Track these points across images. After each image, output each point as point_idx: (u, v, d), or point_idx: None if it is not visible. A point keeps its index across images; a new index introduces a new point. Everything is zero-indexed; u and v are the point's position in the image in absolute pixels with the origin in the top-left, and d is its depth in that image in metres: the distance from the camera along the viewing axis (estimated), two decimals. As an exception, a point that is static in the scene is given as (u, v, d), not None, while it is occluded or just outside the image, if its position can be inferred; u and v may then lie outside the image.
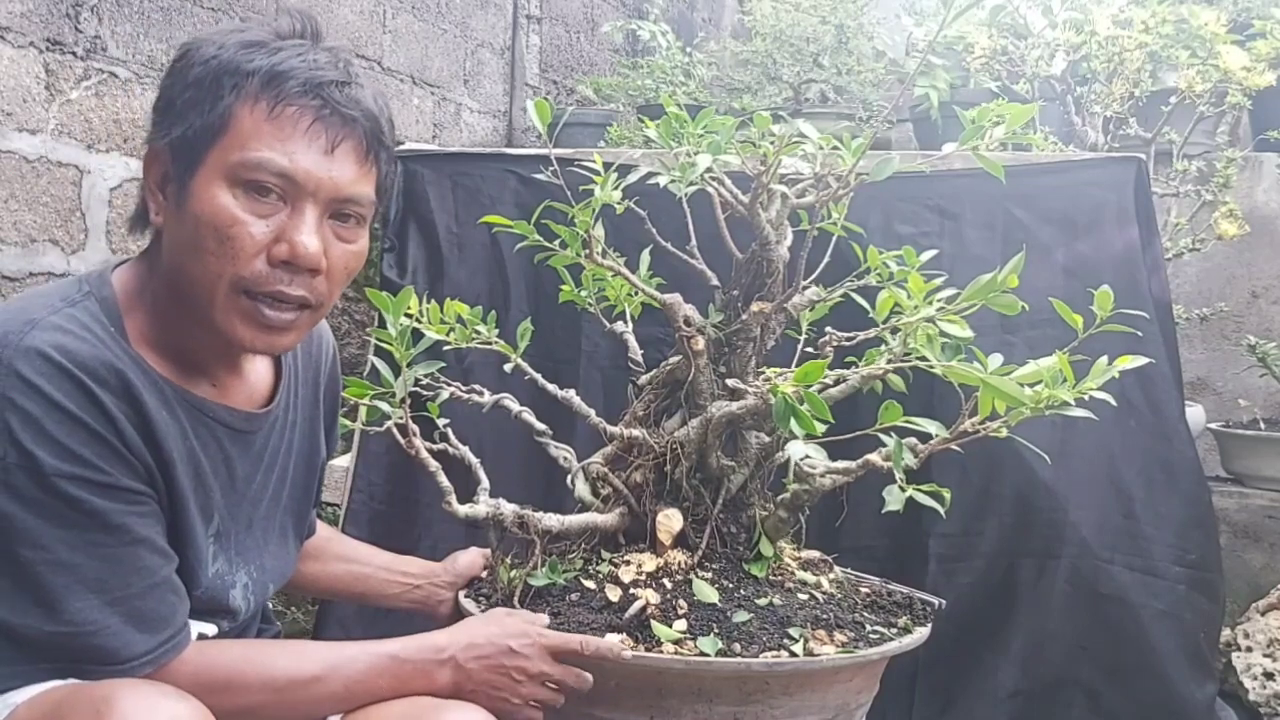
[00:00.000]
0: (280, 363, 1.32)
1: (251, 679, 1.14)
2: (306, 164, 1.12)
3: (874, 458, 1.33)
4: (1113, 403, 1.25)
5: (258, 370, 1.29)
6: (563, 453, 1.58)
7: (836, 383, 1.47)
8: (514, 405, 1.60)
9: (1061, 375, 1.20)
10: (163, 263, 1.17)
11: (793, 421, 1.19)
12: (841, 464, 1.39)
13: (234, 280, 1.12)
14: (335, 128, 1.13)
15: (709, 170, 1.34)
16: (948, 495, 1.25)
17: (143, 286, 1.18)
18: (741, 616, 1.35)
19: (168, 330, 1.17)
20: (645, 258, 1.61)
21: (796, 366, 1.27)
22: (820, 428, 1.19)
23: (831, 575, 1.54)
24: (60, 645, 1.04)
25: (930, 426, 1.26)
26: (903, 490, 1.23)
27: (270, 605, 1.52)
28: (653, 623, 1.33)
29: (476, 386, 1.61)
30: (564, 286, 1.68)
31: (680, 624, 1.33)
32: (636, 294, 1.60)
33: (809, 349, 1.59)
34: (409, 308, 1.43)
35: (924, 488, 1.24)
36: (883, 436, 1.28)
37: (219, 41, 1.14)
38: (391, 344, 1.37)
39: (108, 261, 1.44)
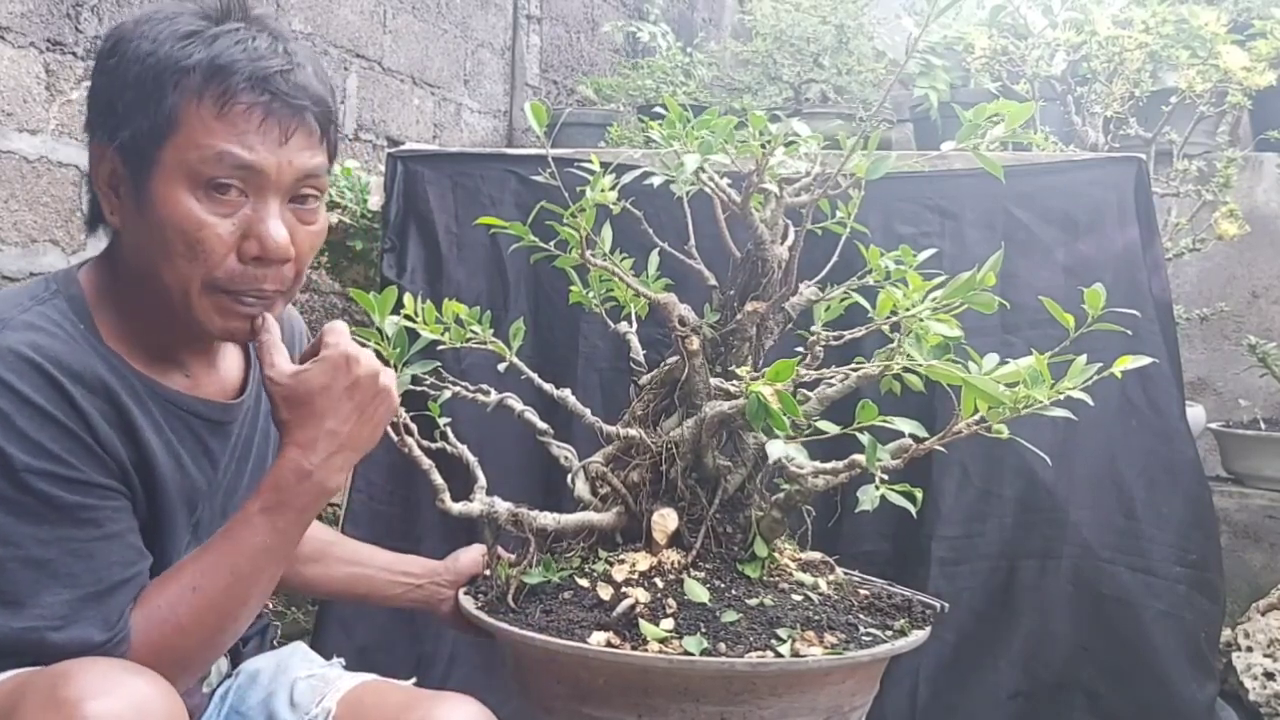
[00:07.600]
0: (249, 352, 1.31)
1: (189, 619, 1.09)
2: (264, 154, 1.11)
3: (860, 458, 1.32)
4: (1090, 402, 1.24)
5: (228, 360, 1.29)
6: (564, 452, 1.58)
7: (820, 383, 1.47)
8: (517, 405, 1.60)
9: (1039, 375, 1.20)
10: (127, 263, 1.16)
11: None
12: (830, 465, 1.39)
13: (207, 281, 1.12)
14: (286, 119, 1.12)
15: (701, 170, 1.34)
16: (919, 494, 1.25)
17: (109, 284, 1.17)
18: (730, 616, 1.34)
19: (138, 325, 1.16)
20: (654, 258, 1.61)
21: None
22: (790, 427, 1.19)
23: (831, 577, 1.54)
24: (26, 641, 1.03)
25: (906, 426, 1.25)
26: (877, 489, 1.22)
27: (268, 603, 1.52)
28: (640, 621, 1.32)
29: (483, 386, 1.61)
30: (572, 288, 1.68)
31: (668, 623, 1.32)
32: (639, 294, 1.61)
33: (818, 349, 1.58)
34: (405, 308, 1.43)
35: (897, 488, 1.23)
36: (860, 436, 1.27)
37: (151, 35, 1.11)
38: (378, 343, 1.37)
39: (73, 262, 1.44)
